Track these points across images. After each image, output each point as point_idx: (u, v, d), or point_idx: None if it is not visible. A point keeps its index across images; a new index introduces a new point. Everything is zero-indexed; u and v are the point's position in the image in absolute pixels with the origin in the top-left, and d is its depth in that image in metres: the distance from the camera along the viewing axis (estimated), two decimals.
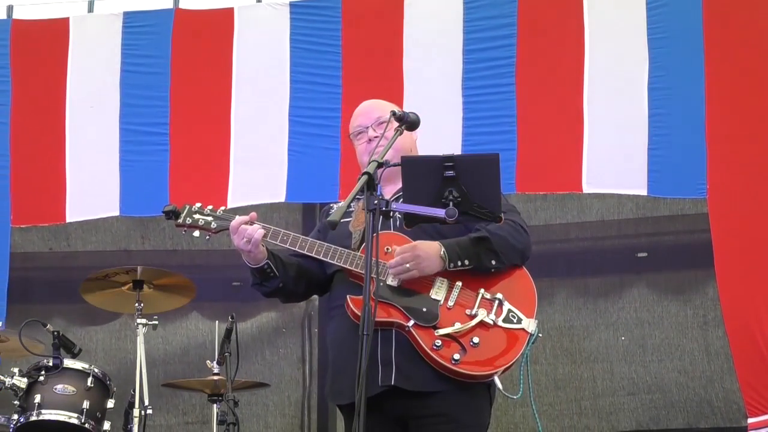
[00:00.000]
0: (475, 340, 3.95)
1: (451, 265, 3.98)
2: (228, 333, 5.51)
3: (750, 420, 6.17)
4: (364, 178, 3.69)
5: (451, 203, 3.75)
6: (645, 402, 7.24)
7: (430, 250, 3.99)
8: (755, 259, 6.39)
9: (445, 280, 4.03)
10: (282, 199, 6.95)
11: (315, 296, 7.36)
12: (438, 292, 4.02)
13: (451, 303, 4.00)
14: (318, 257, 4.11)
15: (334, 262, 4.08)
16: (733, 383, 6.71)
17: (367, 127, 4.29)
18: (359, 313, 3.65)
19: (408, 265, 3.97)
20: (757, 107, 6.50)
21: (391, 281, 4.01)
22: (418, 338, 3.95)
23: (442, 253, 3.98)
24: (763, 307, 6.29)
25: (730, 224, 6.44)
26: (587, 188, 6.68)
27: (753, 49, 6.54)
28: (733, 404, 6.99)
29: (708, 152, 6.47)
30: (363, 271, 3.69)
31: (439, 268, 4.00)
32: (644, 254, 7.44)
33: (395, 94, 6.56)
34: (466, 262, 4.00)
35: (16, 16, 7.29)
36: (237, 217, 4.16)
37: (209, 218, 4.23)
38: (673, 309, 7.31)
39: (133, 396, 5.75)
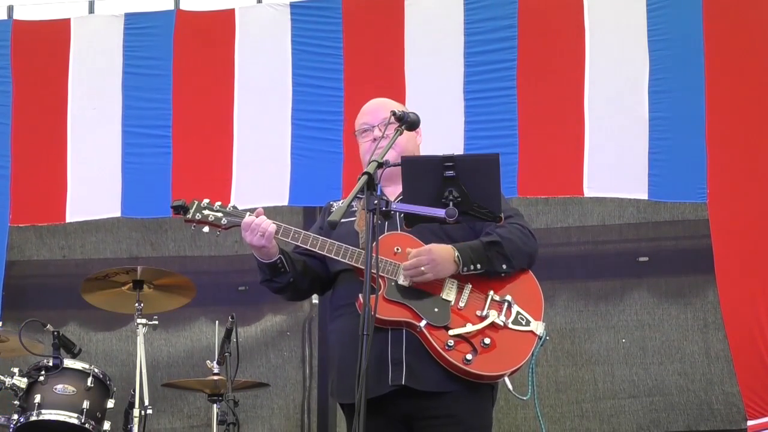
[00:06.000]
0: (486, 341, 3.96)
1: (465, 269, 3.99)
2: (228, 333, 5.48)
3: (750, 422, 6.17)
4: (364, 178, 3.68)
5: (451, 203, 3.75)
6: (646, 404, 7.21)
7: (444, 253, 4.00)
8: (755, 263, 6.39)
9: (455, 281, 4.04)
10: (285, 202, 6.94)
11: (316, 300, 7.55)
12: (449, 293, 4.03)
13: (461, 304, 4.02)
14: (330, 255, 4.09)
15: (346, 260, 4.06)
16: (733, 386, 6.72)
17: (373, 127, 4.27)
18: (371, 312, 3.63)
19: (423, 269, 3.97)
20: (757, 111, 6.50)
21: (403, 281, 4.01)
22: (430, 338, 3.95)
23: (455, 256, 3.99)
24: (763, 311, 6.30)
25: (730, 228, 6.45)
26: (588, 192, 6.68)
27: (753, 52, 6.53)
28: (733, 407, 6.97)
29: (708, 156, 6.48)
30: (374, 270, 3.66)
31: (452, 271, 4.01)
32: (645, 258, 7.43)
33: (398, 98, 6.55)
34: (479, 266, 4.01)
35: (16, 16, 7.29)
36: (248, 214, 4.12)
37: (219, 214, 4.18)
38: (673, 312, 7.29)
39: (133, 396, 5.76)
